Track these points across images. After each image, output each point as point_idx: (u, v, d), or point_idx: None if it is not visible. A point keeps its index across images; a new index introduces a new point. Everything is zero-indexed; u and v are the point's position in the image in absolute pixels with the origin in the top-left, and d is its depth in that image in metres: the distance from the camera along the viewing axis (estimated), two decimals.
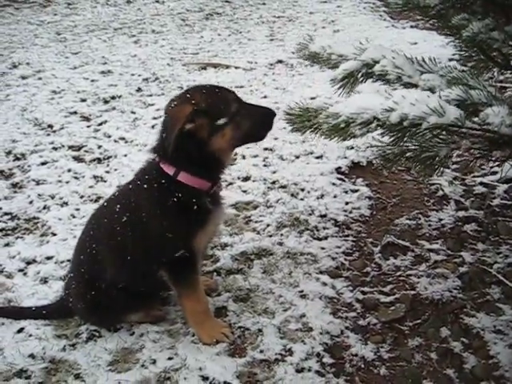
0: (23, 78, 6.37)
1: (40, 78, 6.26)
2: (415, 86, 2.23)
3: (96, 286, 2.51)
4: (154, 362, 2.44)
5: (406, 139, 2.04)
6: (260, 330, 2.53)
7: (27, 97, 5.68)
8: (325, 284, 2.79)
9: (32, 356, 2.51)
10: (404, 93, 1.96)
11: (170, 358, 2.45)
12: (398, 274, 2.84)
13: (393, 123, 1.90)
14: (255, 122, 2.33)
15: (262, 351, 2.43)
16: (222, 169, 2.44)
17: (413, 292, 2.67)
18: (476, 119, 1.98)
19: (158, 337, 2.57)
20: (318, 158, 4.08)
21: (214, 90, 2.33)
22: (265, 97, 5.31)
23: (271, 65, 6.28)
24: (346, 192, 3.60)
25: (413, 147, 2.22)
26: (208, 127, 2.24)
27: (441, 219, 3.25)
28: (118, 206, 2.45)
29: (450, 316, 2.53)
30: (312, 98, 5.12)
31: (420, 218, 3.27)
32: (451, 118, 1.87)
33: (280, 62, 6.38)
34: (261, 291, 2.78)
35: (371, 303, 2.65)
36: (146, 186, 2.37)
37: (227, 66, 6.22)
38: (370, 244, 3.11)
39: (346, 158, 3.99)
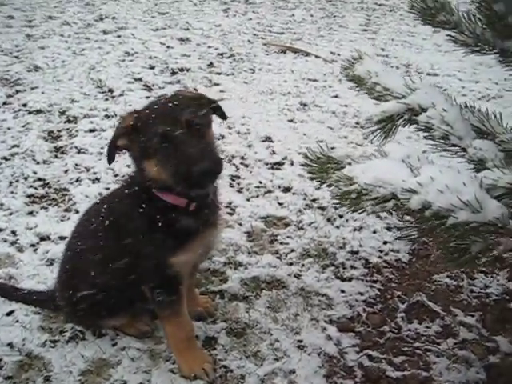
0: (104, 33, 6.36)
1: (119, 36, 6.21)
2: (464, 150, 1.82)
3: (77, 283, 2.37)
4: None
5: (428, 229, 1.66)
6: (243, 377, 2.29)
7: (100, 55, 5.64)
8: (329, 338, 2.48)
9: (11, 345, 2.43)
10: (435, 172, 1.57)
11: None
12: (417, 344, 2.47)
13: (412, 209, 1.54)
14: (181, 169, 1.91)
15: None
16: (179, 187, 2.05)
17: (425, 374, 2.30)
18: None
19: (138, 355, 2.39)
20: None
21: (157, 112, 1.97)
22: (336, 96, 4.92)
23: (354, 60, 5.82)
24: (389, 229, 3.22)
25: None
26: (138, 148, 2.01)
27: (487, 286, 2.81)
28: (103, 210, 2.29)
29: None
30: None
31: (463, 279, 2.85)
32: (489, 217, 1.49)
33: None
34: (258, 329, 2.52)
35: (375, 374, 2.32)
36: (128, 192, 2.18)
37: (307, 54, 5.85)
38: (397, 298, 2.74)
39: None
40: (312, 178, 1.98)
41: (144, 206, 2.09)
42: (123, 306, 2.39)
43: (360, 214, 1.71)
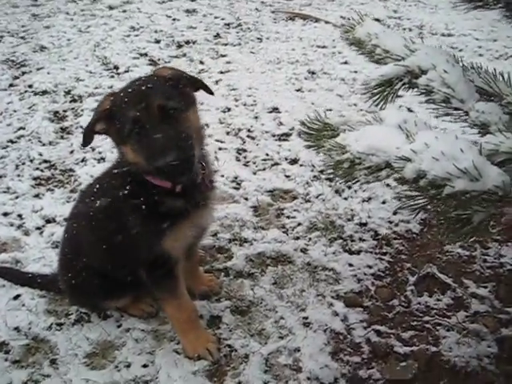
0: (110, 8, 6.26)
1: (124, 11, 6.10)
2: (466, 114, 1.71)
3: (76, 266, 2.35)
4: (128, 365, 2.27)
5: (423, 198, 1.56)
6: (247, 356, 2.26)
7: (105, 31, 5.55)
8: (336, 314, 2.42)
9: (17, 329, 2.44)
10: (430, 138, 1.46)
11: (144, 366, 2.26)
12: (426, 318, 2.39)
13: (407, 178, 1.44)
14: (151, 157, 1.83)
15: (240, 383, 2.16)
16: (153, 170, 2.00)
17: (434, 349, 2.23)
18: None
19: (142, 336, 2.38)
20: None
21: (135, 94, 1.88)
22: (345, 62, 4.76)
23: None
24: (399, 199, 3.09)
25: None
26: (115, 133, 1.95)
27: (501, 255, 2.70)
28: (95, 189, 2.25)
29: None
30: None
31: (476, 249, 2.75)
32: (488, 185, 1.38)
33: (377, 20, 5.65)
34: (263, 307, 2.47)
35: (382, 350, 2.26)
36: (118, 173, 2.11)
37: (317, 20, 5.66)
38: (407, 270, 2.67)
39: None
40: (309, 146, 1.90)
41: (131, 186, 2.03)
42: (123, 288, 2.36)
43: (353, 183, 1.63)
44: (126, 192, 2.04)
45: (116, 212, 2.10)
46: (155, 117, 1.83)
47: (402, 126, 1.61)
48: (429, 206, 1.70)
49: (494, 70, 1.99)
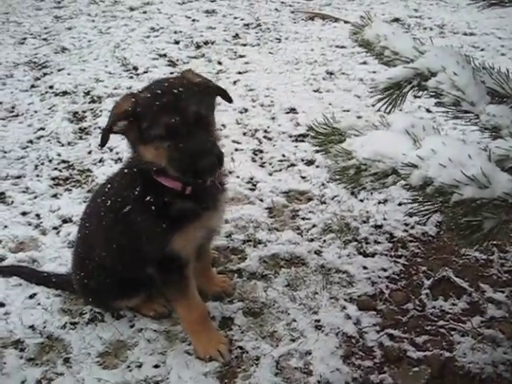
0: (131, 9, 6.32)
1: (145, 12, 6.15)
2: (477, 117, 1.67)
3: (88, 266, 2.38)
4: (140, 365, 2.28)
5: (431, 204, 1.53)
6: (257, 359, 2.25)
7: (125, 32, 5.60)
8: (349, 317, 2.40)
9: (32, 328, 2.47)
10: (437, 143, 1.43)
11: (156, 366, 2.27)
12: (441, 323, 2.35)
13: (413, 186, 1.41)
14: (181, 162, 1.90)
15: None
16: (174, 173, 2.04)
17: (448, 354, 2.19)
18: None
19: (155, 337, 2.39)
20: None
21: (166, 98, 1.88)
22: (364, 63, 4.71)
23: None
24: (415, 201, 3.06)
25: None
26: (135, 133, 1.94)
27: None
28: (107, 189, 2.27)
29: None
30: None
31: (494, 253, 2.69)
32: (498, 192, 1.34)
33: (397, 20, 5.63)
34: (276, 309, 2.46)
35: (395, 354, 2.23)
36: (129, 173, 2.14)
37: (336, 19, 5.63)
38: (422, 274, 2.63)
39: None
40: (317, 151, 1.88)
41: (141, 187, 2.05)
42: (135, 287, 2.38)
43: (359, 191, 1.61)
44: (135, 192, 2.06)
45: (126, 212, 2.11)
46: (191, 123, 1.87)
47: (409, 130, 1.58)
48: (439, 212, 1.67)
49: (507, 70, 1.94)
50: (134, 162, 2.07)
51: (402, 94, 1.79)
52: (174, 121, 1.85)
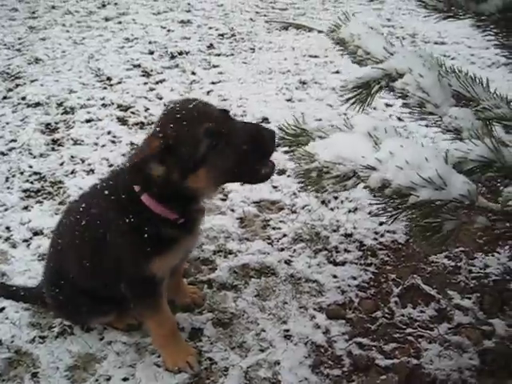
0: (106, 19, 6.31)
1: (120, 22, 6.15)
2: (441, 118, 1.71)
3: (61, 283, 2.35)
4: (108, 378, 2.26)
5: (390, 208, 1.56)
6: (226, 369, 2.25)
7: (100, 42, 5.60)
8: (318, 326, 2.41)
9: (0, 343, 2.43)
10: (395, 146, 1.46)
11: (125, 379, 2.25)
12: (409, 330, 2.38)
13: (372, 187, 1.44)
14: (241, 156, 1.84)
15: None
16: (198, 203, 2.07)
17: (415, 362, 2.21)
18: (500, 198, 1.46)
19: (124, 349, 2.37)
20: None
21: (185, 117, 1.84)
22: (337, 72, 4.77)
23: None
24: (385, 209, 3.10)
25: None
26: (178, 169, 1.86)
27: (487, 266, 2.69)
28: (82, 207, 2.22)
29: None
30: None
31: (461, 259, 2.73)
32: (454, 194, 1.38)
33: (370, 29, 5.69)
34: (245, 319, 2.47)
35: (363, 363, 2.24)
36: (109, 193, 2.09)
37: (310, 29, 5.68)
38: (392, 282, 2.65)
39: None
40: (286, 152, 1.88)
41: (126, 210, 2.01)
42: (108, 305, 2.35)
43: (322, 193, 1.63)
44: (119, 215, 2.02)
45: (104, 232, 2.08)
46: (226, 119, 1.87)
47: (371, 133, 1.61)
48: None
49: (474, 74, 1.99)
50: (120, 183, 2.04)
51: (371, 93, 1.82)
52: (211, 124, 1.81)
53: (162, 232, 2.01)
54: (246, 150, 1.84)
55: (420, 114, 1.85)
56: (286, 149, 1.92)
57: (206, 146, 1.81)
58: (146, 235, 2.00)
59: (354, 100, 1.92)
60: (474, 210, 1.50)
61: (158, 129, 1.89)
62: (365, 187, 1.56)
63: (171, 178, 1.87)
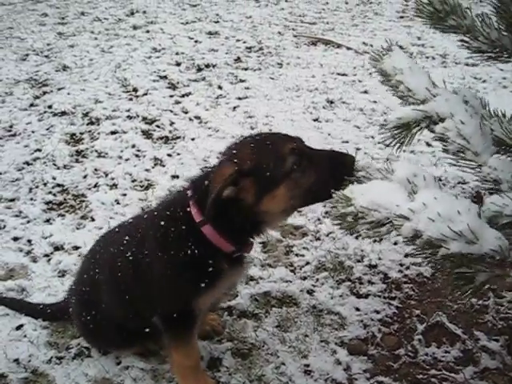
0: (134, 28, 6.33)
1: (148, 31, 6.17)
2: (480, 167, 1.65)
3: (91, 310, 2.29)
4: None
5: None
6: None
7: (127, 51, 5.62)
8: (339, 362, 2.35)
9: (17, 361, 2.42)
10: (429, 197, 1.42)
11: None
12: (433, 372, 2.31)
13: (404, 236, 1.41)
14: (322, 176, 1.85)
15: None
16: (262, 233, 2.03)
17: None
18: None
19: (141, 375, 2.34)
20: None
21: (266, 140, 1.88)
22: (365, 92, 4.71)
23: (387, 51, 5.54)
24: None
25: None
26: (254, 190, 1.83)
27: None
28: (127, 237, 2.15)
29: None
30: None
31: (489, 297, 2.65)
32: (485, 249, 1.34)
33: (399, 48, 5.62)
34: (265, 351, 2.42)
35: None
36: (162, 222, 2.02)
37: (339, 45, 5.63)
38: (416, 318, 2.58)
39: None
40: None
41: (182, 237, 1.95)
42: (136, 337, 2.30)
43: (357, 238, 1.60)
44: (171, 246, 1.97)
45: (148, 266, 2.04)
46: (303, 143, 1.93)
47: (410, 179, 1.58)
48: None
49: None
50: (177, 213, 1.98)
51: (411, 134, 1.77)
52: (295, 145, 1.85)
53: (215, 266, 1.96)
54: (327, 170, 1.85)
55: (459, 161, 1.79)
56: None
57: (291, 163, 1.82)
58: (197, 269, 1.96)
59: (393, 140, 1.87)
60: (507, 265, 1.45)
61: (232, 156, 1.87)
62: (398, 235, 1.52)
63: (243, 201, 1.85)
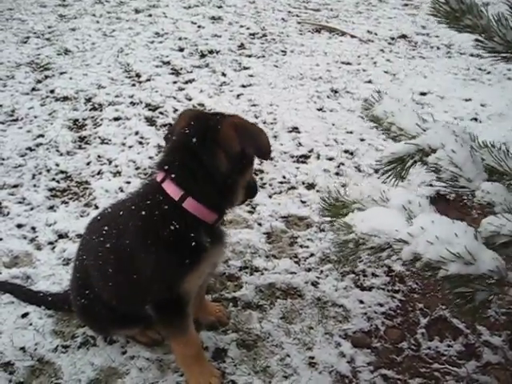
0: (136, 11, 6.26)
1: (150, 15, 6.11)
2: (473, 192, 1.70)
3: (86, 294, 2.32)
4: None
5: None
6: None
7: (130, 36, 5.57)
8: (343, 355, 2.38)
9: (23, 350, 2.43)
10: (427, 221, 1.52)
11: None
12: (435, 366, 2.34)
13: (404, 260, 1.46)
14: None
15: None
16: (232, 204, 2.14)
17: None
18: None
19: (147, 365, 2.36)
20: None
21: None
22: (369, 81, 4.69)
23: (392, 39, 5.52)
24: None
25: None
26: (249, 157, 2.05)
27: None
28: (106, 227, 2.17)
29: None
30: (422, 94, 4.43)
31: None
32: (483, 269, 1.40)
33: (403, 37, 5.60)
34: (270, 342, 2.44)
35: None
36: (138, 210, 2.05)
37: (343, 33, 5.60)
38: (419, 311, 2.61)
39: (431, 185, 3.37)
40: (329, 222, 2.01)
41: (163, 220, 1.98)
42: (134, 320, 2.34)
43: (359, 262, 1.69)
44: (153, 223, 2.00)
45: (136, 243, 2.05)
46: None
47: (406, 206, 1.70)
48: None
49: (506, 149, 1.98)
50: (156, 196, 2.02)
51: (405, 167, 1.87)
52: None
53: (197, 241, 1.99)
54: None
55: (453, 188, 1.87)
56: (328, 218, 2.02)
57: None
58: (181, 248, 1.98)
59: (389, 174, 1.96)
60: (504, 284, 1.50)
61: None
62: (398, 258, 1.59)
63: (241, 164, 2.02)
